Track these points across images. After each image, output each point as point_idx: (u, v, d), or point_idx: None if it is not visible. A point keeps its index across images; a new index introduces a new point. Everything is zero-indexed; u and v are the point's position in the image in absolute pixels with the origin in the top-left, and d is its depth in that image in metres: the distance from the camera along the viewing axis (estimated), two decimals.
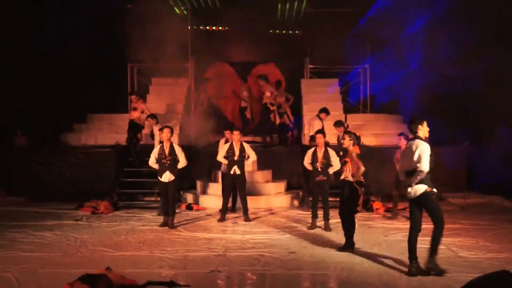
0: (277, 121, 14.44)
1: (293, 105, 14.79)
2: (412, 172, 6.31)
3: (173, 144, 9.41)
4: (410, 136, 6.57)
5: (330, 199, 10.17)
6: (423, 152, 6.22)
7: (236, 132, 10.02)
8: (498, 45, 11.88)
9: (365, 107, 15.54)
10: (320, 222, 9.21)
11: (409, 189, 6.39)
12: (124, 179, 12.13)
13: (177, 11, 16.57)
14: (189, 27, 15.64)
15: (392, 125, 14.45)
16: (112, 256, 7.23)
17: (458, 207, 11.33)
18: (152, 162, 9.42)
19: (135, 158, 12.21)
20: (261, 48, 17.22)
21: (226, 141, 10.69)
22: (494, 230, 8.91)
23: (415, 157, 6.25)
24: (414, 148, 6.31)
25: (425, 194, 6.29)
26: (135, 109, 12.35)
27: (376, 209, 11.05)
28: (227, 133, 10.89)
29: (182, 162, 9.39)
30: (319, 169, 9.15)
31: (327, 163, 9.14)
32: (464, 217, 10.23)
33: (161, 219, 9.59)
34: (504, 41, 11.86)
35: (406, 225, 9.33)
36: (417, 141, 6.35)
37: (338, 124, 11.34)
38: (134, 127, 12.33)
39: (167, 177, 9.25)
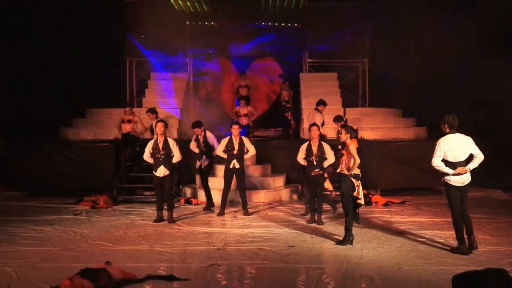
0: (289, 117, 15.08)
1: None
2: (459, 163, 6.98)
3: (168, 138, 9.35)
4: (447, 129, 7.06)
5: (328, 193, 10.16)
6: (473, 143, 7.05)
7: (235, 126, 10.00)
8: (498, 39, 11.90)
9: (364, 101, 15.53)
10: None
11: (464, 177, 7.01)
12: (124, 174, 12.14)
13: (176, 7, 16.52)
14: (187, 22, 15.63)
15: (391, 119, 14.46)
16: (111, 250, 7.25)
17: None
18: (147, 156, 9.36)
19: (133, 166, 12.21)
20: (260, 42, 17.22)
21: (197, 138, 10.61)
22: (493, 224, 8.94)
23: (470, 149, 7.00)
24: (464, 141, 7.02)
25: (470, 181, 7.10)
26: (129, 121, 12.16)
27: (375, 202, 11.08)
28: (196, 131, 10.58)
29: (176, 156, 9.34)
30: (314, 163, 9.14)
31: (322, 156, 9.14)
32: None
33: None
34: (505, 36, 11.88)
35: (405, 218, 9.48)
36: (459, 134, 7.06)
37: (337, 119, 11.35)
38: (131, 141, 12.20)
39: (161, 171, 9.19)
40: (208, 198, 10.71)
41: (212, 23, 17.36)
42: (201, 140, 10.54)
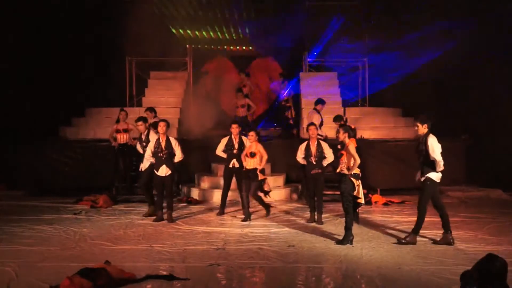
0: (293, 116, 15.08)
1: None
2: None
3: (170, 138, 9.32)
4: (426, 129, 7.44)
5: (329, 192, 10.18)
6: None
7: (234, 126, 9.98)
8: (499, 38, 11.88)
9: (363, 101, 15.53)
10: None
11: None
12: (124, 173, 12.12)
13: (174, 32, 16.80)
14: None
15: (391, 118, 14.45)
16: (111, 250, 7.23)
17: (457, 200, 11.35)
18: (148, 155, 9.35)
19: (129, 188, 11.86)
20: (260, 42, 17.22)
21: (140, 137, 10.01)
22: (493, 223, 8.93)
23: None
24: None
25: None
26: (125, 130, 11.58)
27: (375, 202, 11.08)
28: (139, 125, 9.88)
29: (178, 156, 9.32)
30: (314, 163, 9.14)
31: (321, 156, 9.14)
32: (463, 210, 10.25)
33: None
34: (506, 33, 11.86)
35: (404, 218, 9.47)
36: None
37: (337, 118, 11.34)
38: (128, 152, 11.62)
39: (163, 171, 9.17)
40: (150, 203, 9.80)
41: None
42: (143, 139, 9.91)
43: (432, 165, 7.34)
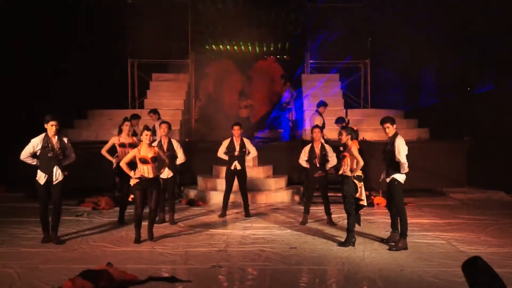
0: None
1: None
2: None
3: (171, 140, 9.31)
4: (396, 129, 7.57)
5: (330, 194, 10.17)
6: None
7: (236, 127, 9.97)
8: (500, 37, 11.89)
9: (365, 102, 15.52)
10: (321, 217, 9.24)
11: None
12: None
13: None
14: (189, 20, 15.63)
15: None
16: (113, 252, 7.24)
17: (460, 202, 11.34)
18: None
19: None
20: (262, 43, 17.23)
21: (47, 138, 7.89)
22: (495, 225, 8.92)
23: None
24: None
25: None
26: (131, 145, 9.01)
27: (377, 204, 11.07)
28: (52, 125, 7.91)
29: (180, 158, 9.31)
30: (317, 165, 9.14)
31: (324, 158, 9.14)
32: (465, 212, 10.25)
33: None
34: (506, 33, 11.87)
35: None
36: None
37: (339, 120, 11.34)
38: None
39: (165, 173, 9.12)
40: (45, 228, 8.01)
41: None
42: (49, 145, 7.92)
43: (397, 167, 7.34)
